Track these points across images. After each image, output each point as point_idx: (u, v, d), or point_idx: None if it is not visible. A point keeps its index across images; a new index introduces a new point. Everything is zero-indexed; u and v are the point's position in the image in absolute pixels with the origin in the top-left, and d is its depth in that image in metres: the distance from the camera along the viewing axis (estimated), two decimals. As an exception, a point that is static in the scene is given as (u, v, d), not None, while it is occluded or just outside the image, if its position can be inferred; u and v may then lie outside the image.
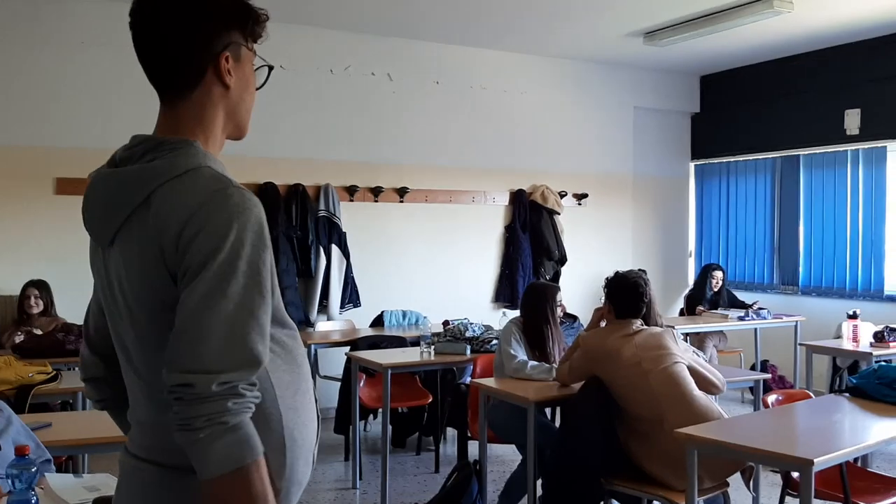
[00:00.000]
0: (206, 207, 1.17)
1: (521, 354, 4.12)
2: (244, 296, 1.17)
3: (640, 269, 4.12)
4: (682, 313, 7.39)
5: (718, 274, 7.18)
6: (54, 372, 3.75)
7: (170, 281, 1.20)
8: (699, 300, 7.13)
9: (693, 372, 3.48)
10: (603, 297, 3.75)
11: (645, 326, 3.59)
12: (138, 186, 1.22)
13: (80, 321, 4.77)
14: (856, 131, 7.00)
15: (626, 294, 3.61)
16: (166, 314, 1.20)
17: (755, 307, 6.77)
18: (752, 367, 7.04)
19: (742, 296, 7.35)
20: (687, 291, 7.57)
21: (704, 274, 7.28)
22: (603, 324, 3.79)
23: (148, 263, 1.21)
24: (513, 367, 4.06)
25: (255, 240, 1.19)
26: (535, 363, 4.08)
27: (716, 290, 7.14)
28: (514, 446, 4.37)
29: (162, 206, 1.20)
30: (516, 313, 6.67)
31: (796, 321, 6.69)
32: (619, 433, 3.48)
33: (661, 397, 3.33)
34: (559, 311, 4.31)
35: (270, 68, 1.43)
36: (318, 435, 1.41)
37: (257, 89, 1.42)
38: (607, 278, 3.75)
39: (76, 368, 4.38)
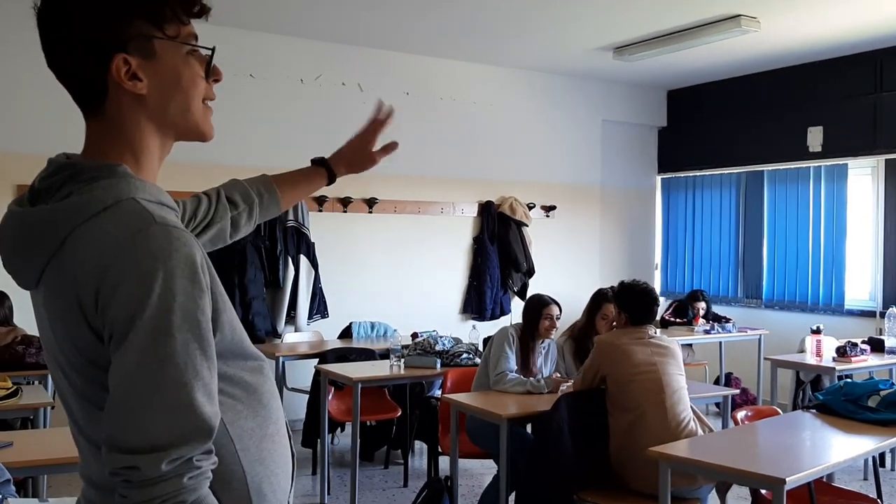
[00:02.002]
0: (125, 254, 0.98)
1: (512, 362, 4.14)
2: (183, 354, 0.98)
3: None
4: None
5: (701, 305, 6.95)
6: (14, 387, 3.63)
7: (95, 339, 1.01)
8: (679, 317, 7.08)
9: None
10: (613, 308, 3.84)
11: (657, 333, 3.69)
12: (52, 230, 1.03)
13: (37, 332, 4.65)
14: (818, 148, 7.14)
15: (640, 300, 3.70)
16: (97, 373, 1.03)
17: (722, 321, 6.86)
18: (717, 380, 7.12)
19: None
20: (665, 312, 7.45)
21: (688, 301, 7.09)
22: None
23: (69, 319, 1.03)
24: (493, 377, 4.09)
25: (187, 286, 0.99)
26: (515, 376, 4.09)
27: (697, 321, 6.83)
28: (484, 461, 4.36)
29: (77, 254, 1.01)
30: (485, 325, 6.77)
31: (760, 335, 6.79)
32: (612, 427, 3.52)
33: (666, 388, 3.45)
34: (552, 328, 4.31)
35: (211, 52, 1.15)
36: (293, 477, 1.25)
37: (215, 81, 1.17)
38: (615, 291, 3.81)
39: (37, 382, 4.27)
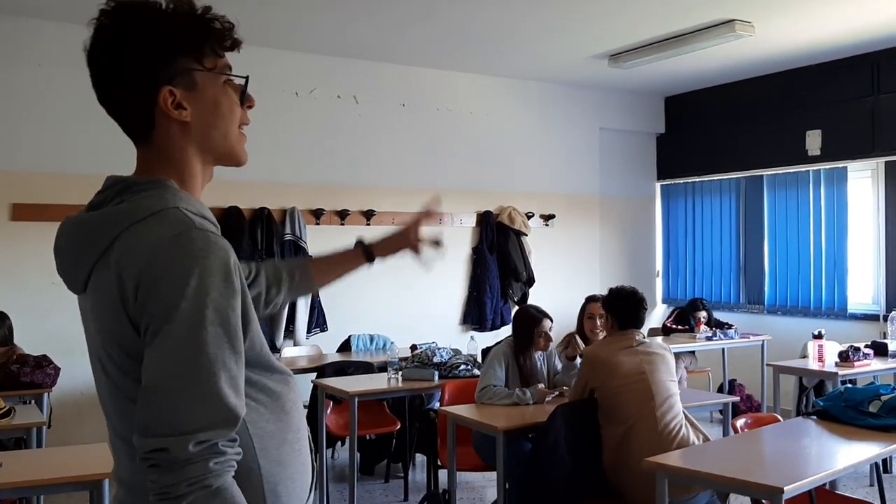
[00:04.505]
0: (166, 253, 1.08)
1: (499, 378, 4.09)
2: (213, 345, 1.07)
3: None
4: (651, 333, 7.39)
5: (702, 314, 6.91)
6: (7, 407, 3.61)
7: (132, 331, 1.11)
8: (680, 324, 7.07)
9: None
10: (601, 314, 3.82)
11: (647, 339, 3.63)
12: (101, 232, 1.14)
13: (37, 351, 4.64)
14: (817, 152, 7.10)
15: (627, 304, 3.68)
16: (133, 365, 1.11)
17: (724, 327, 6.81)
18: (720, 387, 7.07)
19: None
20: (666, 320, 7.41)
21: (688, 311, 7.06)
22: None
23: (111, 313, 1.12)
24: (478, 392, 4.06)
25: (221, 285, 1.09)
26: (500, 388, 4.04)
27: (699, 328, 6.78)
28: (485, 473, 4.32)
29: (123, 253, 1.11)
30: (485, 336, 6.73)
31: (763, 340, 6.74)
32: (605, 439, 3.48)
33: (655, 397, 3.40)
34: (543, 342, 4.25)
35: (245, 80, 1.31)
36: (312, 487, 1.30)
37: (248, 107, 1.32)
38: (605, 296, 3.79)
39: (32, 402, 4.25)
